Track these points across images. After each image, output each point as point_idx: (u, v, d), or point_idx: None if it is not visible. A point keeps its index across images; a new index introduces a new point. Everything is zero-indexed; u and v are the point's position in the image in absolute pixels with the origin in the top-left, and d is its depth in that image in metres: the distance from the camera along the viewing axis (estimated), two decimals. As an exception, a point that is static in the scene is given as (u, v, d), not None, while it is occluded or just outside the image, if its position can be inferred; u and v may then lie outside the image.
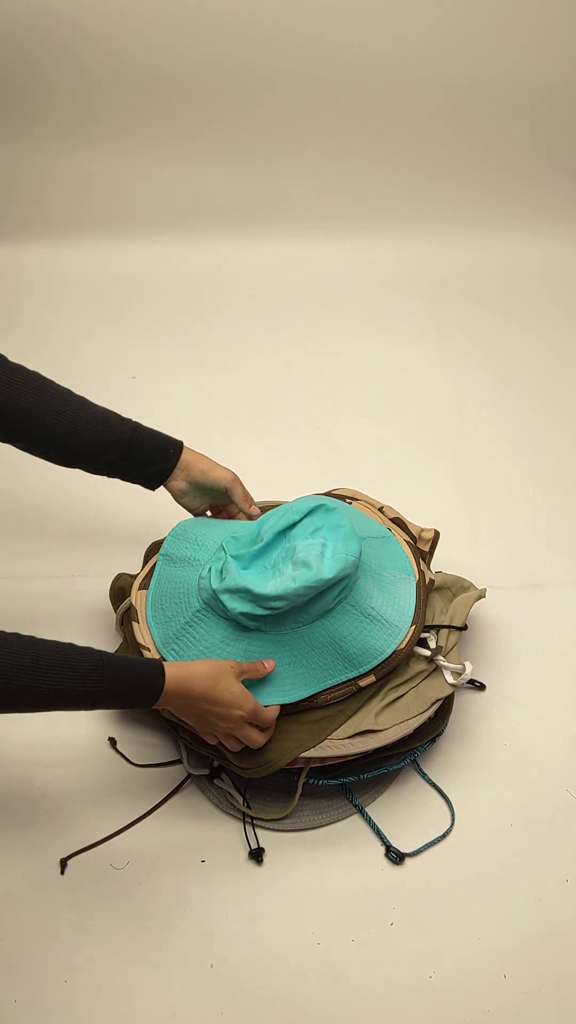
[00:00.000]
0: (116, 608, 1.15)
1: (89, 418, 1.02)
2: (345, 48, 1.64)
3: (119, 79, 1.67)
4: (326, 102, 1.71)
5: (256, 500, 1.15)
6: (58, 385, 1.03)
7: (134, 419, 1.07)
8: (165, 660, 1.00)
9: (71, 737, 1.10)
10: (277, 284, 1.76)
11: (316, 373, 1.60)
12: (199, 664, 0.92)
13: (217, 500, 1.15)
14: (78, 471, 1.07)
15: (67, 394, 1.03)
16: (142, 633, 1.04)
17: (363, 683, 0.99)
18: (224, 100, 1.70)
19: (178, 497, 1.12)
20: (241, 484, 1.12)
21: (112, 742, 1.09)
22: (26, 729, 1.10)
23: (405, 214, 1.82)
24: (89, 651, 0.84)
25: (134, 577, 1.13)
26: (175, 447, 1.08)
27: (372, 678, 0.99)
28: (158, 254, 1.81)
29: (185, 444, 1.10)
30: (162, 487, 1.11)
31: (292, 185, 1.80)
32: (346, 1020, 0.89)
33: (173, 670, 0.88)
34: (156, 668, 0.88)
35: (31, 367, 1.04)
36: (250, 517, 1.13)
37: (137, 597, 1.08)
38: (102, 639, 1.17)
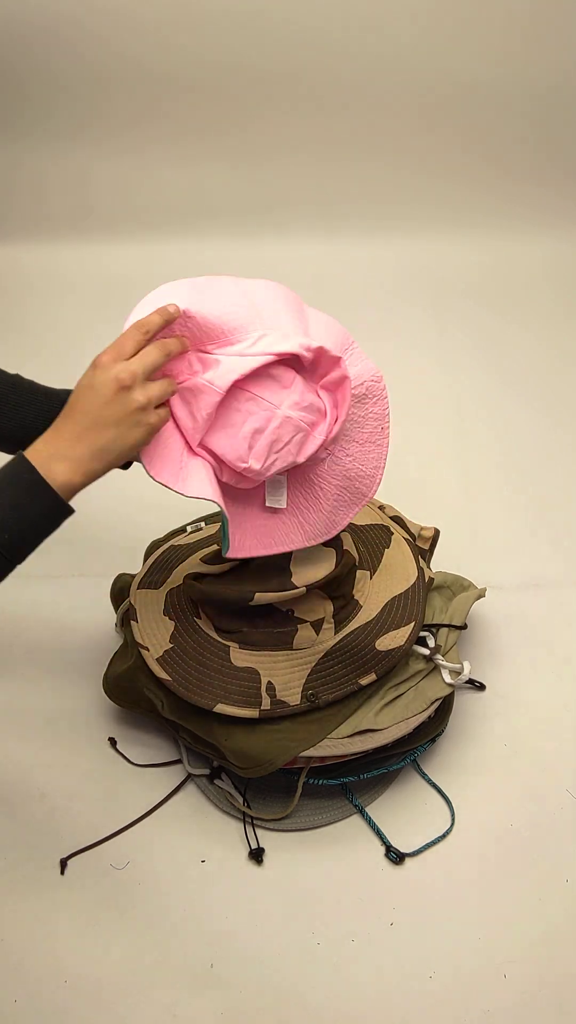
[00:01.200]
0: (116, 608, 1.15)
1: (29, 396, 0.93)
2: (345, 49, 1.64)
3: (121, 81, 1.67)
4: (326, 103, 1.71)
5: None
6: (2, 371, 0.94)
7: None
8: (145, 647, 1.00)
9: (71, 737, 1.10)
10: (277, 284, 1.76)
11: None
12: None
13: None
14: None
15: (12, 377, 0.95)
16: (141, 633, 1.04)
17: (363, 681, 0.99)
18: (225, 101, 1.70)
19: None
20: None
21: (112, 742, 1.09)
22: (26, 729, 1.10)
23: (405, 214, 1.82)
24: None
25: (134, 577, 1.14)
26: None
27: (373, 676, 0.99)
28: (159, 254, 1.81)
29: None
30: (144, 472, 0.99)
31: (292, 186, 1.80)
32: (346, 1020, 0.88)
33: (33, 447, 0.76)
34: (18, 462, 0.75)
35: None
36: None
37: (137, 597, 1.08)
38: (102, 639, 1.18)
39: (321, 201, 1.81)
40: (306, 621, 0.99)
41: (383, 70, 1.67)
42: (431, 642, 1.06)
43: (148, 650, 1.03)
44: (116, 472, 1.37)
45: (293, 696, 0.97)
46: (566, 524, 1.34)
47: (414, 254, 1.81)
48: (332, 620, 1.01)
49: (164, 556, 1.15)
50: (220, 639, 1.01)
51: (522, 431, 1.49)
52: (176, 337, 0.83)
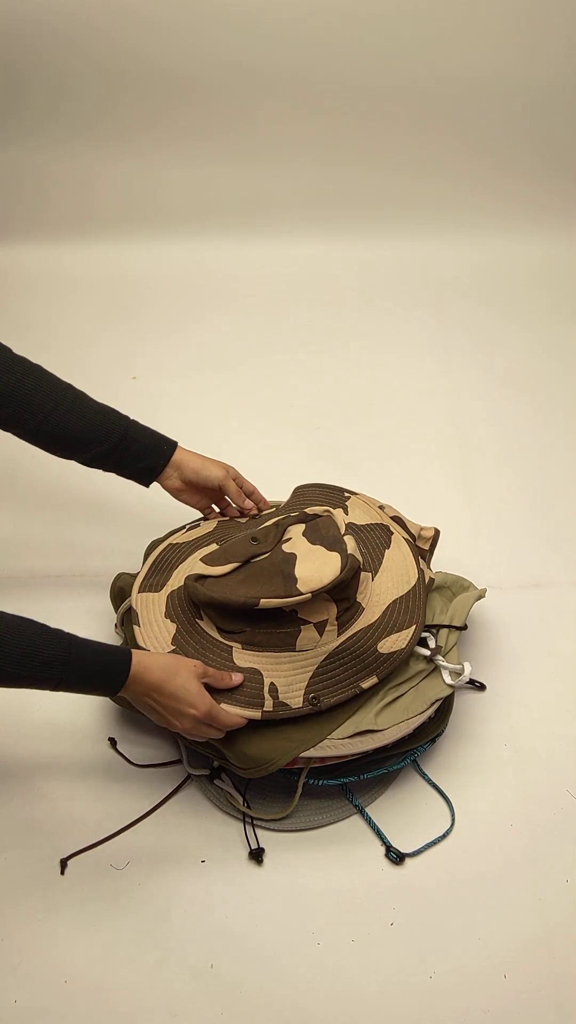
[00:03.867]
0: (116, 608, 1.15)
1: (86, 409, 1.06)
2: (345, 50, 1.64)
3: (123, 82, 1.67)
4: (326, 104, 1.71)
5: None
6: (60, 379, 1.06)
7: (134, 418, 1.10)
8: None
9: (71, 737, 1.10)
10: (277, 284, 1.76)
11: (316, 373, 1.60)
12: (161, 656, 0.94)
13: (214, 497, 1.18)
14: (75, 467, 1.08)
15: (67, 386, 1.06)
16: (143, 637, 1.04)
17: (365, 684, 0.99)
18: (226, 102, 1.70)
19: (175, 495, 1.14)
20: (234, 481, 1.14)
21: (112, 742, 1.09)
22: (26, 729, 1.10)
23: (405, 215, 1.82)
24: (57, 637, 0.86)
25: (134, 577, 1.13)
26: (169, 444, 1.11)
27: (374, 679, 0.99)
28: (160, 255, 1.81)
29: (180, 444, 1.12)
30: (160, 486, 1.13)
31: (293, 186, 1.80)
32: (346, 1020, 0.89)
33: (137, 658, 0.91)
34: (122, 657, 0.90)
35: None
36: (243, 512, 1.17)
37: (138, 601, 1.08)
38: (102, 639, 1.17)
39: (321, 201, 1.81)
40: (310, 622, 0.99)
41: (383, 71, 1.67)
42: (431, 643, 1.06)
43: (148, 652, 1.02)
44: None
45: (295, 699, 0.97)
46: (566, 524, 1.34)
47: (414, 254, 1.81)
48: (336, 622, 1.01)
49: (163, 556, 1.14)
50: (223, 640, 1.01)
51: (522, 431, 1.49)
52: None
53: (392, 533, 1.14)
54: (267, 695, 0.97)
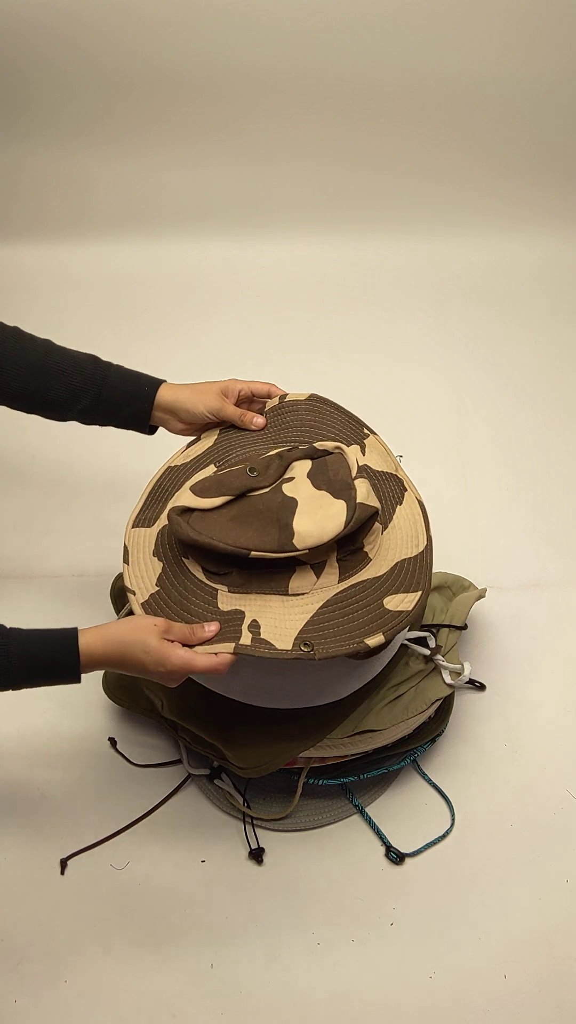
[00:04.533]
0: (116, 608, 1.15)
1: (62, 363, 0.98)
2: (345, 51, 1.64)
3: (124, 82, 1.67)
4: (326, 104, 1.71)
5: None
6: (36, 337, 1.00)
7: (119, 364, 1.03)
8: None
9: (71, 737, 1.10)
10: (277, 284, 1.76)
11: (316, 373, 1.59)
12: (111, 628, 0.86)
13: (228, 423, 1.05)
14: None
15: (44, 343, 1.00)
16: (130, 576, 0.94)
17: (371, 642, 0.86)
18: (226, 102, 1.70)
19: (187, 436, 1.05)
20: (231, 402, 1.02)
21: (112, 742, 1.09)
22: (26, 729, 1.10)
23: (405, 215, 1.82)
24: None
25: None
26: (151, 385, 1.00)
27: (381, 637, 0.86)
28: (160, 255, 1.81)
29: (169, 381, 1.02)
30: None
31: (292, 186, 1.80)
32: (346, 1020, 0.89)
33: (85, 639, 0.84)
34: (66, 643, 0.83)
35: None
36: (254, 426, 1.04)
37: (130, 537, 0.98)
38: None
39: (321, 201, 1.81)
40: (306, 563, 0.89)
41: (383, 71, 1.67)
42: (431, 642, 1.06)
43: (135, 594, 0.92)
44: (118, 472, 1.38)
45: (283, 641, 0.85)
46: (566, 524, 1.34)
47: (414, 254, 1.80)
48: (336, 564, 0.90)
49: (160, 484, 1.03)
50: (208, 582, 0.91)
51: (522, 431, 1.49)
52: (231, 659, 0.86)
53: (406, 490, 1.01)
54: (246, 630, 0.86)
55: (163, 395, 1.00)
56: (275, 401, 1.05)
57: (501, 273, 1.79)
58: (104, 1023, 0.88)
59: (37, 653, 0.82)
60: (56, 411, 1.00)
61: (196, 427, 1.03)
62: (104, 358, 1.01)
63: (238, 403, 1.04)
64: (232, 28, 1.61)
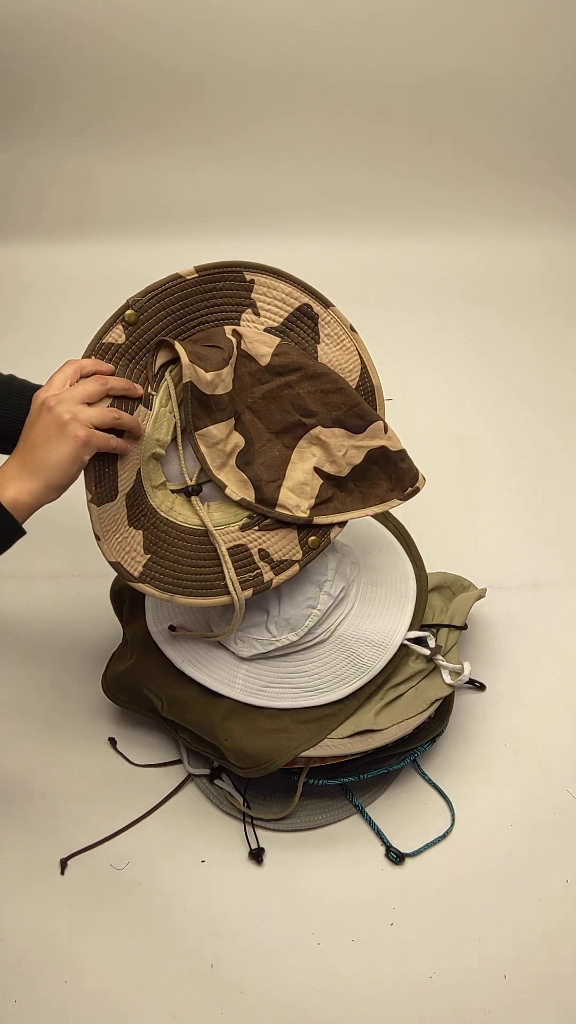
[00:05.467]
0: (116, 608, 1.14)
1: (19, 398, 0.96)
2: (345, 51, 1.65)
3: (122, 82, 1.68)
4: (325, 104, 1.71)
5: None
6: None
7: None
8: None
9: (71, 737, 1.10)
10: (277, 284, 1.76)
11: (316, 373, 1.59)
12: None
13: None
14: None
15: (4, 378, 0.98)
16: (109, 549, 0.92)
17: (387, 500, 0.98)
18: (225, 102, 1.70)
19: None
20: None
21: (112, 742, 1.09)
22: (26, 729, 1.10)
23: (405, 215, 1.82)
24: None
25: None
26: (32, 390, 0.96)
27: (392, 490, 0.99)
28: (160, 255, 1.80)
29: None
30: None
31: (292, 186, 1.80)
32: (346, 1020, 0.89)
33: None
34: None
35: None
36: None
37: (95, 514, 0.94)
38: (102, 639, 1.18)
39: (321, 201, 1.81)
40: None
41: (383, 71, 1.68)
42: (431, 642, 1.06)
43: (124, 567, 0.91)
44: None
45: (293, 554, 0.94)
46: (566, 524, 1.34)
47: (414, 254, 1.81)
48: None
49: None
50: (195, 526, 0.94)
51: (522, 431, 1.49)
52: (123, 380, 0.86)
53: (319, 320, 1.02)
54: (260, 562, 0.94)
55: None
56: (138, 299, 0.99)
57: (501, 273, 1.79)
58: (104, 1023, 0.88)
59: None
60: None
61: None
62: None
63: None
64: (232, 28, 1.62)
